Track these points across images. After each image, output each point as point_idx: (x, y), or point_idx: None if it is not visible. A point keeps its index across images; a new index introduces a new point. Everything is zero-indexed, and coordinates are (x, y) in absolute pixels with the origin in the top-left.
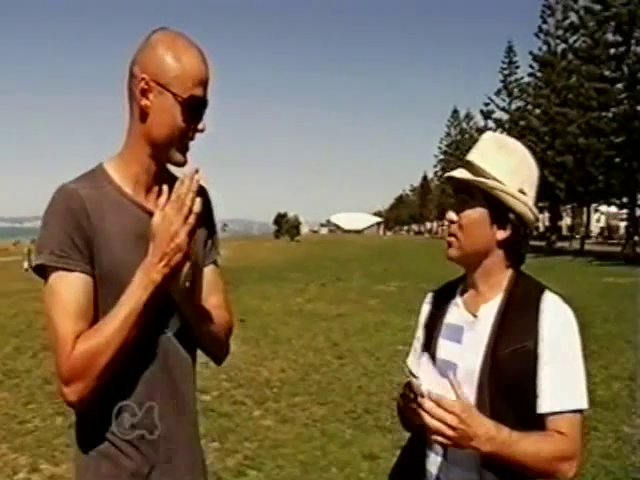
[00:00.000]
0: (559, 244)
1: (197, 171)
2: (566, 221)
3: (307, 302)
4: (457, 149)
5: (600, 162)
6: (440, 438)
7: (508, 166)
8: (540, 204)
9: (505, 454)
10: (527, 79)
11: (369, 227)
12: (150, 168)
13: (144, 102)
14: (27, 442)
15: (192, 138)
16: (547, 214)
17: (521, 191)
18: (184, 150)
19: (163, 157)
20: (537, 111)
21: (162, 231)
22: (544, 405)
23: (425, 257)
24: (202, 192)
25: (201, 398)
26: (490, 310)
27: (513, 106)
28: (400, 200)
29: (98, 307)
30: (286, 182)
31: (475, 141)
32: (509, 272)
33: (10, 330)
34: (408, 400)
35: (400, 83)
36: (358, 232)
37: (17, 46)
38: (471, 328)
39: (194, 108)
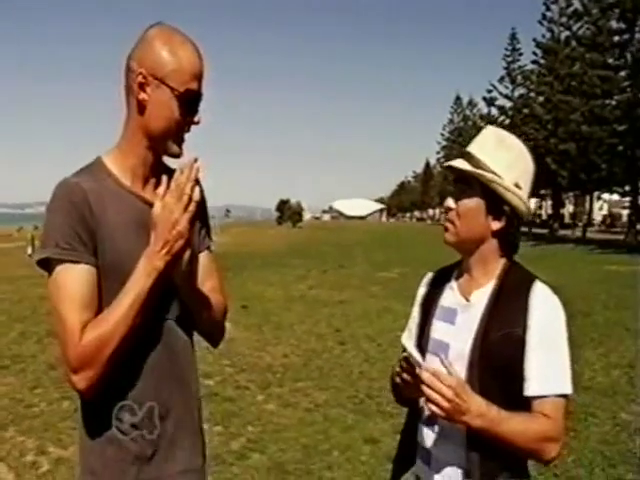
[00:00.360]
0: (561, 232)
1: (196, 160)
2: (568, 209)
3: (309, 288)
4: (460, 136)
5: (603, 150)
6: (435, 408)
7: (506, 161)
8: (542, 192)
9: (493, 431)
10: (530, 66)
11: (371, 214)
12: (147, 159)
13: (142, 96)
14: (34, 425)
15: (188, 130)
16: (549, 202)
17: (517, 185)
18: (180, 142)
19: (160, 149)
20: (540, 98)
21: (163, 219)
22: (530, 388)
23: (427, 244)
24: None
25: (205, 383)
26: (483, 296)
27: (516, 93)
28: (402, 187)
29: (102, 297)
30: (289, 168)
31: (478, 128)
32: (502, 261)
33: (15, 316)
34: (406, 372)
35: (403, 69)
36: (361, 218)
37: (15, 30)
38: (464, 311)
39: (190, 101)
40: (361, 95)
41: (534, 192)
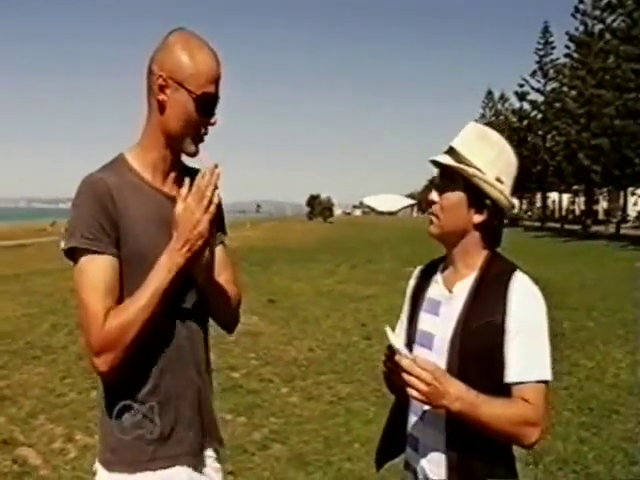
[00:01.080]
0: (594, 228)
1: (216, 166)
2: (602, 205)
3: (337, 283)
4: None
5: (637, 144)
6: (415, 393)
7: (488, 156)
8: (575, 187)
9: (473, 415)
10: (563, 60)
11: (402, 209)
12: (167, 156)
13: (161, 97)
14: (63, 414)
15: (205, 131)
16: (582, 198)
17: (498, 179)
18: (197, 142)
19: (177, 147)
20: (573, 93)
21: (185, 220)
22: (510, 375)
23: None
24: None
25: (230, 375)
26: (464, 287)
27: (548, 87)
28: (432, 182)
29: (123, 285)
30: (319, 164)
31: (510, 123)
32: (485, 253)
33: (47, 308)
34: (389, 360)
35: (435, 64)
36: (391, 214)
37: (49, 25)
38: (447, 303)
39: (206, 104)
40: (392, 90)
41: (567, 188)
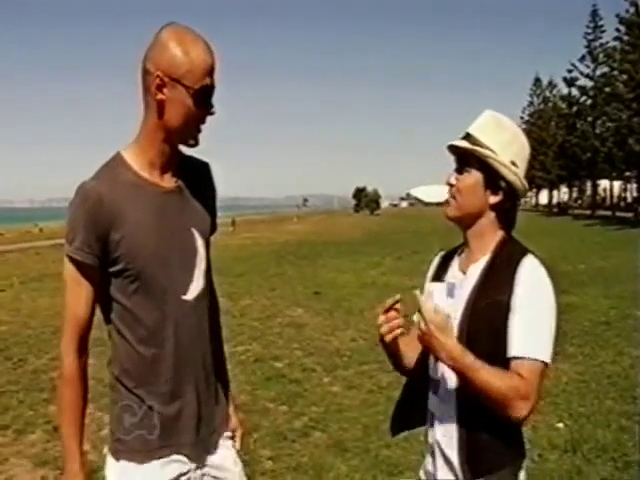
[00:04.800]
0: None
1: None
2: None
3: (382, 275)
4: (540, 118)
5: None
6: (419, 331)
7: (502, 140)
8: (627, 174)
9: (467, 376)
10: (613, 43)
11: None
12: (165, 151)
13: (159, 96)
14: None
15: (204, 121)
16: (634, 185)
17: (513, 163)
18: (197, 133)
19: (178, 141)
20: (623, 77)
21: None
22: (510, 350)
23: None
24: (206, 168)
25: (273, 365)
26: (476, 269)
27: (598, 72)
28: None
29: (124, 293)
30: (366, 156)
31: (559, 110)
32: (499, 235)
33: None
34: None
35: (481, 52)
36: (439, 204)
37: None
38: (461, 285)
39: (205, 96)
40: (439, 80)
41: (618, 175)
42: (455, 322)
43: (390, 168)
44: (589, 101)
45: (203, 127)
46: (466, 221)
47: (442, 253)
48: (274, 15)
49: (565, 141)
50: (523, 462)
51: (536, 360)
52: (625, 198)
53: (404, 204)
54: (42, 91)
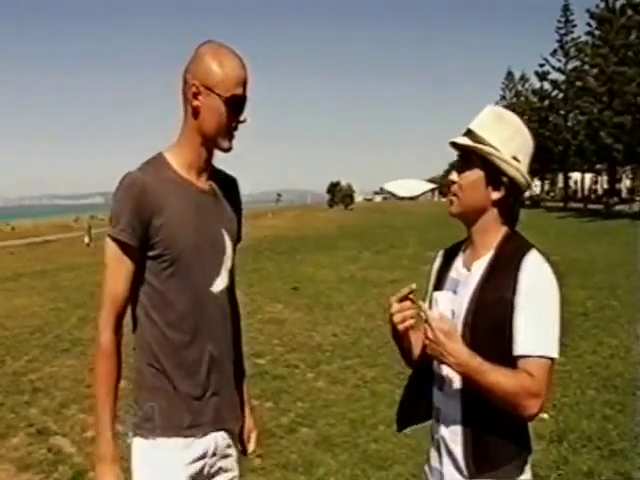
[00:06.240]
0: (619, 207)
1: None
2: (625, 183)
3: (360, 269)
4: (512, 112)
5: None
6: (426, 341)
7: (504, 135)
8: (598, 166)
9: (476, 379)
10: (584, 38)
11: (423, 193)
12: (202, 154)
13: (195, 103)
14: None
15: (236, 128)
16: (605, 177)
17: (515, 158)
18: (230, 138)
19: (212, 145)
20: (594, 71)
21: None
22: (517, 348)
23: None
24: (234, 183)
25: (256, 362)
26: (481, 265)
27: (569, 66)
28: (453, 166)
29: (159, 277)
30: (338, 152)
31: (531, 103)
32: (503, 231)
33: (75, 302)
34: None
35: (452, 46)
36: (412, 199)
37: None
38: (465, 281)
39: (236, 105)
40: (409, 74)
41: (589, 168)
42: (460, 318)
43: (363, 163)
44: (561, 95)
45: (236, 134)
46: (469, 218)
47: (445, 249)
48: (245, 7)
49: (537, 134)
50: (529, 456)
51: (543, 357)
52: (596, 190)
53: (378, 198)
54: (13, 89)
